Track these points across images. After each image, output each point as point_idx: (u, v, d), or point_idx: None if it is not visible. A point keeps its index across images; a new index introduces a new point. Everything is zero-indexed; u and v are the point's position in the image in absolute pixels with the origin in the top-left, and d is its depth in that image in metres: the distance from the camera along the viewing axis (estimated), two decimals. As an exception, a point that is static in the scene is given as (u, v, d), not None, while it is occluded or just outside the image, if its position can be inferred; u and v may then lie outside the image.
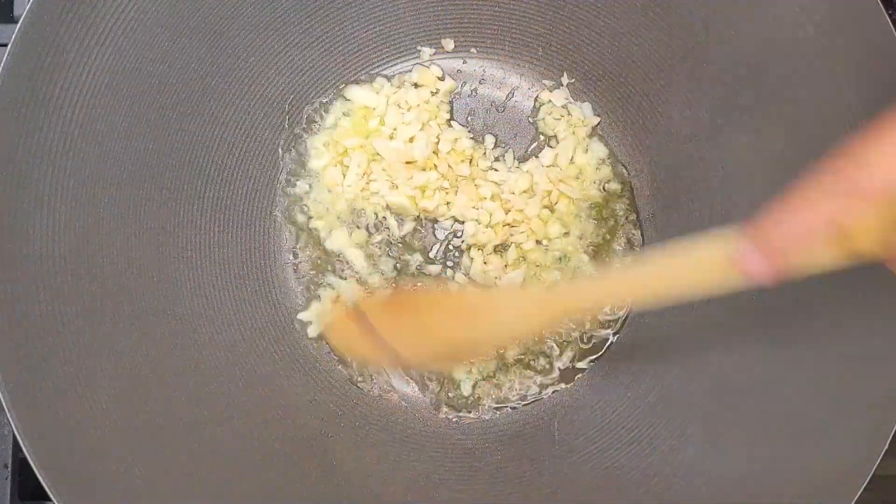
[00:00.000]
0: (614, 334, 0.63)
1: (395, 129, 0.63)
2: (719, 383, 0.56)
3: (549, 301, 0.47)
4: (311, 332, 0.62)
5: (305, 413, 0.59)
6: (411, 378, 0.62)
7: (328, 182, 0.63)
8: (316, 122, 0.65)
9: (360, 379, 0.62)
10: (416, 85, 0.66)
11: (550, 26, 0.64)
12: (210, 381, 0.55)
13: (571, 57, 0.65)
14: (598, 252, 0.64)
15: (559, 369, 0.62)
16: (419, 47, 0.66)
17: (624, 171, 0.65)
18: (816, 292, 0.53)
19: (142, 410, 0.51)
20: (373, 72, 0.66)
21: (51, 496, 0.45)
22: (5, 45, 0.48)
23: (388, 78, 0.66)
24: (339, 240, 0.63)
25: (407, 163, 0.63)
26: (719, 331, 0.58)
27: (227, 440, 0.54)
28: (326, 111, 0.65)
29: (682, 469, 0.54)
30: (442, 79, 0.66)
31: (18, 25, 0.48)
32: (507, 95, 0.67)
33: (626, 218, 0.65)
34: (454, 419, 0.61)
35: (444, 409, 0.61)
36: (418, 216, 0.64)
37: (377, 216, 0.63)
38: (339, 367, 0.62)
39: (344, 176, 0.63)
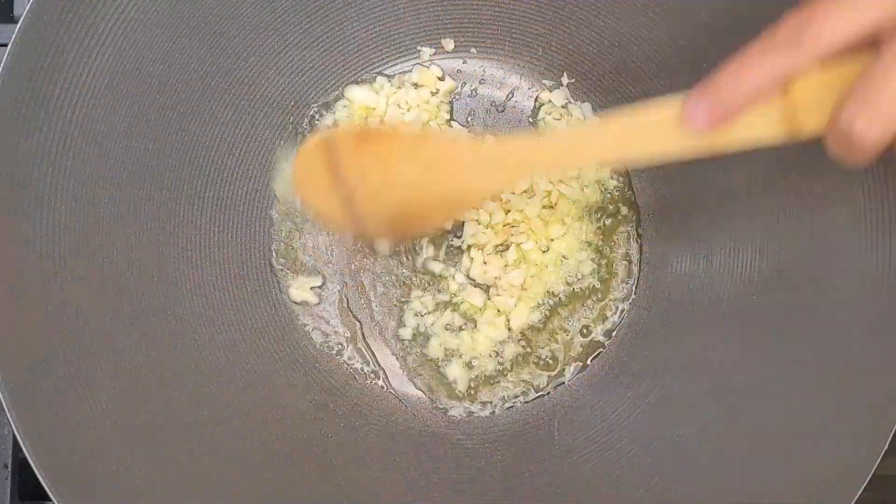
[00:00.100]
0: (613, 333, 0.63)
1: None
2: (719, 383, 0.56)
3: (512, 154, 0.48)
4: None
5: (305, 413, 0.59)
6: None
7: None
8: (316, 122, 0.65)
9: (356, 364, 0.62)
10: (416, 85, 0.66)
11: (550, 26, 0.64)
12: (210, 381, 0.55)
13: (571, 57, 0.65)
14: (599, 252, 0.64)
15: (559, 368, 0.62)
16: (419, 47, 0.66)
17: (624, 171, 0.65)
18: (817, 292, 0.53)
19: (142, 410, 0.51)
20: (373, 72, 0.66)
21: (51, 496, 0.45)
22: (5, 45, 0.48)
23: (389, 77, 0.66)
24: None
25: None
26: (719, 331, 0.58)
27: (227, 440, 0.54)
28: (326, 111, 0.65)
29: (682, 469, 0.54)
30: (442, 79, 0.66)
31: (18, 25, 0.48)
32: (507, 95, 0.67)
33: (627, 218, 0.65)
34: (457, 415, 0.61)
35: (444, 402, 0.61)
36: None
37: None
38: (339, 366, 0.62)
39: None
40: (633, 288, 0.64)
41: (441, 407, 0.62)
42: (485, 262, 0.63)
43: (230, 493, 0.52)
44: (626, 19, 0.61)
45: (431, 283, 0.63)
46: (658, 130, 0.43)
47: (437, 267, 0.63)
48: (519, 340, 0.63)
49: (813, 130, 0.40)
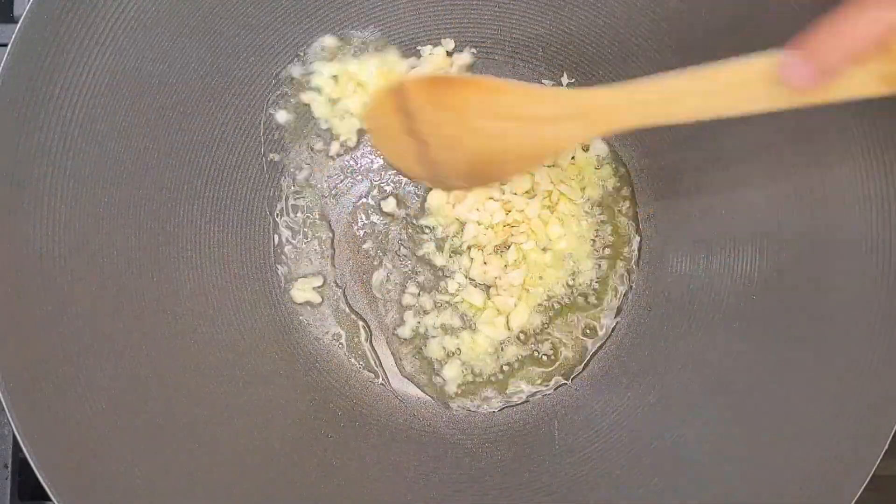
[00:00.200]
0: (613, 333, 0.63)
1: None
2: (719, 383, 0.56)
3: (595, 107, 0.46)
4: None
5: (305, 413, 0.59)
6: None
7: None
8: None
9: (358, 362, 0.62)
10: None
11: (550, 26, 0.64)
12: (210, 381, 0.55)
13: (571, 57, 0.65)
14: (599, 252, 0.64)
15: (559, 368, 0.62)
16: (419, 47, 0.66)
17: (624, 170, 0.65)
18: (817, 292, 0.53)
19: (142, 410, 0.51)
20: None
21: (51, 496, 0.45)
22: (5, 45, 0.48)
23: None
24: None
25: None
26: (719, 331, 0.58)
27: (227, 440, 0.54)
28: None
29: (682, 469, 0.54)
30: (451, 54, 0.65)
31: (18, 25, 0.48)
32: (507, 95, 0.67)
33: (627, 218, 0.65)
34: (457, 415, 0.61)
35: (444, 401, 0.62)
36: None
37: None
38: (339, 366, 0.62)
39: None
40: (633, 288, 0.64)
41: (441, 406, 0.62)
42: (485, 263, 0.63)
43: (230, 493, 0.52)
44: (626, 19, 0.61)
45: (432, 283, 0.63)
46: (751, 86, 0.41)
47: (439, 261, 0.63)
48: (519, 340, 0.63)
49: None
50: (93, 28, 0.51)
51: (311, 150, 0.64)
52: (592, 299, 0.64)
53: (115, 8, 0.52)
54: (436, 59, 0.64)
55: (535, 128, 0.48)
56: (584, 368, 0.63)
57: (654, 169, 0.64)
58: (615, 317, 0.64)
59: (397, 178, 0.65)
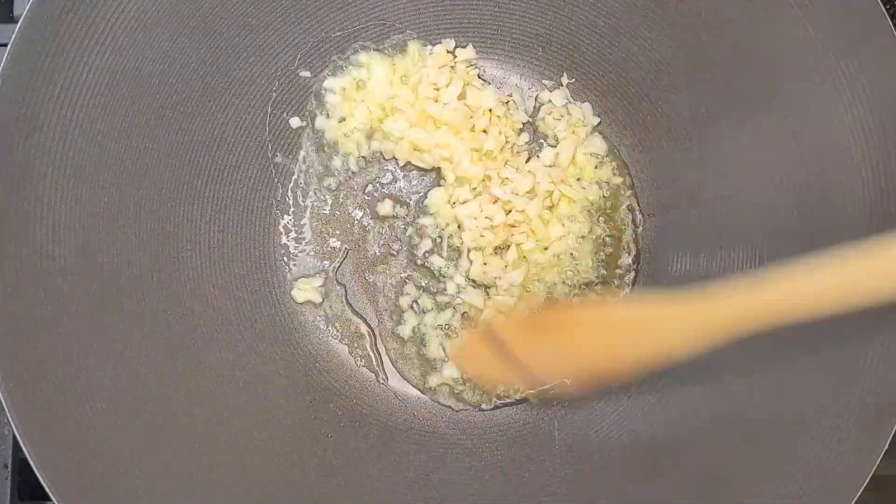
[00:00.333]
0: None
1: (437, 90, 0.63)
2: (719, 383, 0.56)
3: (705, 312, 0.43)
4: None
5: (305, 413, 0.59)
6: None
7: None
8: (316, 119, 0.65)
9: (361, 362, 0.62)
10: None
11: (550, 26, 0.64)
12: (210, 381, 0.55)
13: (571, 57, 0.65)
14: (599, 252, 0.64)
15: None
16: (419, 47, 0.66)
17: (624, 170, 0.65)
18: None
19: (142, 410, 0.51)
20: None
21: (51, 496, 0.45)
22: (5, 45, 0.48)
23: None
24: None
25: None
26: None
27: (227, 440, 0.54)
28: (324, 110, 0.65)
29: (681, 469, 0.54)
30: (453, 50, 0.66)
31: (18, 25, 0.48)
32: (507, 95, 0.66)
33: (627, 218, 0.65)
34: (456, 415, 0.61)
35: (444, 401, 0.62)
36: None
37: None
38: (339, 366, 0.62)
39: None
40: (633, 287, 0.64)
41: (441, 406, 0.62)
42: (484, 263, 0.63)
43: (230, 493, 0.52)
44: (626, 19, 0.61)
45: (432, 284, 0.63)
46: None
47: (438, 262, 0.63)
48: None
49: None
50: (93, 28, 0.51)
51: (315, 152, 0.64)
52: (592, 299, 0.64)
53: (115, 8, 0.52)
54: (437, 57, 0.64)
55: (650, 340, 0.46)
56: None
57: (655, 169, 0.64)
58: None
59: (399, 179, 0.65)
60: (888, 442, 0.47)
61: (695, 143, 0.61)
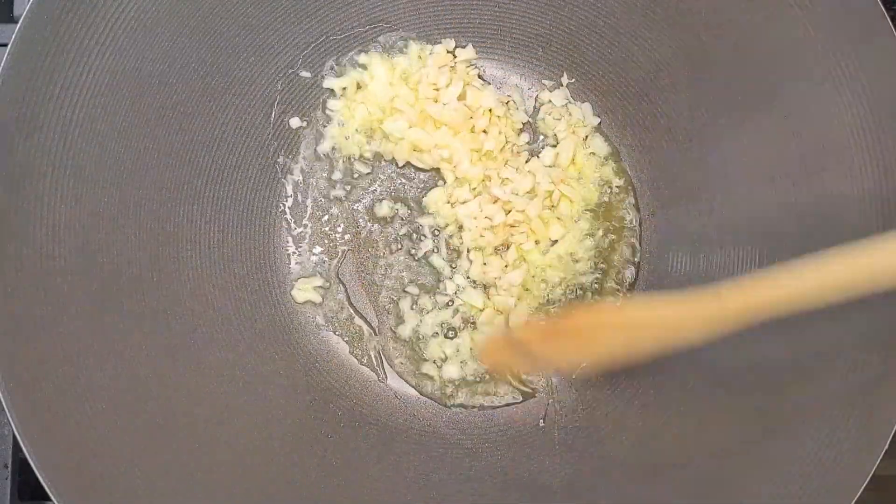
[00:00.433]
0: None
1: (437, 90, 0.64)
2: (718, 383, 0.56)
3: (713, 309, 0.45)
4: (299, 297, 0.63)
5: (305, 413, 0.59)
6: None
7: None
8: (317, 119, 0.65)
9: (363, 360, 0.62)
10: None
11: (550, 26, 0.64)
12: (210, 381, 0.55)
13: (571, 57, 0.65)
14: (599, 252, 0.64)
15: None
16: (420, 46, 0.66)
17: (624, 170, 0.65)
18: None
19: (142, 410, 0.51)
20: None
21: (51, 496, 0.45)
22: (5, 45, 0.48)
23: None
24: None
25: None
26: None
27: (228, 440, 0.54)
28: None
29: (681, 469, 0.54)
30: (453, 50, 0.66)
31: (18, 25, 0.48)
32: (507, 95, 0.66)
33: (627, 217, 0.65)
34: (456, 414, 0.61)
35: (443, 401, 0.61)
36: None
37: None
38: (339, 366, 0.62)
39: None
40: (634, 287, 0.64)
41: (441, 406, 0.62)
42: (484, 264, 0.63)
43: (230, 493, 0.52)
44: (626, 19, 0.61)
45: (432, 284, 0.63)
46: None
47: (438, 261, 0.63)
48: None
49: None
50: (93, 28, 0.51)
51: (315, 153, 0.64)
52: (592, 299, 0.64)
53: (115, 8, 0.52)
54: (437, 58, 0.64)
55: (664, 335, 0.48)
56: (584, 368, 0.63)
57: (655, 169, 0.64)
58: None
59: (398, 180, 0.65)
60: (888, 442, 0.47)
61: (695, 143, 0.61)
